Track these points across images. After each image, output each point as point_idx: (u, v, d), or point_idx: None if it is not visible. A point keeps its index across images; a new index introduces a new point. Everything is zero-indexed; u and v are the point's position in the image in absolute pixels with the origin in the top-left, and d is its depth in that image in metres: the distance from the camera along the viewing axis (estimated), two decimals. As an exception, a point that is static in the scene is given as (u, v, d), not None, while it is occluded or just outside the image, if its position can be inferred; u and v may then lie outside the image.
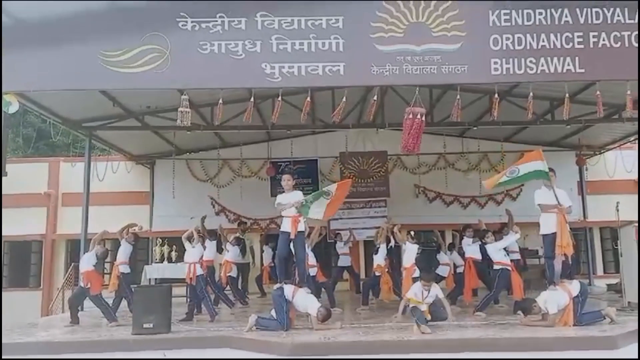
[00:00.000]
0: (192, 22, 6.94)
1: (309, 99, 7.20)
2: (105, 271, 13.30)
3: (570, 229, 9.01)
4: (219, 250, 10.22)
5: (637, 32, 6.89)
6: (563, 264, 6.88)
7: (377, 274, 9.26)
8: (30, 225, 13.87)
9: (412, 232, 8.52)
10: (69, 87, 7.12)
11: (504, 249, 8.33)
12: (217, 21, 6.93)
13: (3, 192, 11.35)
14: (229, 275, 10.52)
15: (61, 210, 14.40)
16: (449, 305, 7.02)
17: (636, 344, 6.08)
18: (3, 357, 6.02)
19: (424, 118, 7.09)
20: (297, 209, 7.24)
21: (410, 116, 7.02)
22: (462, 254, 9.77)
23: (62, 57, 6.87)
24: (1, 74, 6.73)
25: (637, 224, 8.52)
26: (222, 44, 6.90)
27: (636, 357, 5.42)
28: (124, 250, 8.85)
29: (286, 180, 7.52)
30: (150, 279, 11.72)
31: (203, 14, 6.94)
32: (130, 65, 6.83)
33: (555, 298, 6.72)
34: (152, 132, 11.34)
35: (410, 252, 8.10)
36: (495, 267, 8.17)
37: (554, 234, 6.90)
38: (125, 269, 8.80)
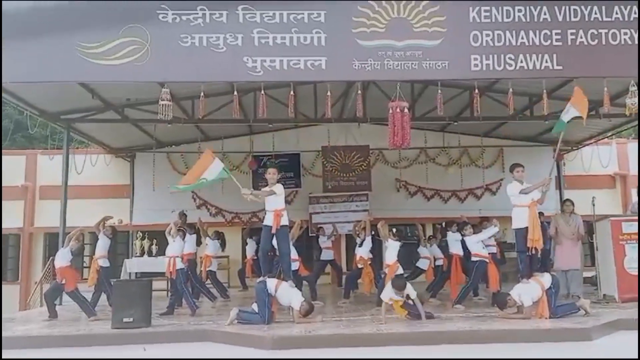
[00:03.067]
0: (172, 14, 6.87)
1: (292, 93, 7.20)
2: (85, 265, 13.18)
3: (547, 222, 9.24)
4: (198, 243, 10.17)
5: (613, 31, 7.02)
6: (533, 257, 7.01)
7: (359, 266, 9.31)
8: (7, 219, 13.62)
9: (394, 229, 8.56)
10: (47, 79, 7.00)
11: (482, 241, 8.43)
12: (198, 14, 6.87)
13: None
14: (209, 270, 10.49)
15: (39, 203, 14.21)
16: (421, 306, 7.08)
17: (609, 336, 6.25)
18: (3, 357, 5.90)
19: (408, 111, 7.16)
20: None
21: (398, 110, 7.07)
22: (442, 247, 9.88)
23: (40, 49, 6.76)
24: (1, 67, 6.61)
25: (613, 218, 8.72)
26: (204, 37, 6.85)
27: (634, 355, 5.49)
28: (103, 244, 8.77)
29: (271, 174, 7.47)
30: (130, 273, 11.63)
31: (184, 6, 6.88)
32: (110, 57, 6.75)
33: (528, 291, 6.85)
34: (132, 124, 11.22)
35: (392, 249, 8.16)
36: (473, 258, 8.28)
37: (526, 228, 7.02)
38: (105, 262, 8.72)
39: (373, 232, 9.44)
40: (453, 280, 8.99)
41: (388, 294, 6.95)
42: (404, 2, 7.00)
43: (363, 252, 9.27)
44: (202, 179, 7.28)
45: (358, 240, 9.54)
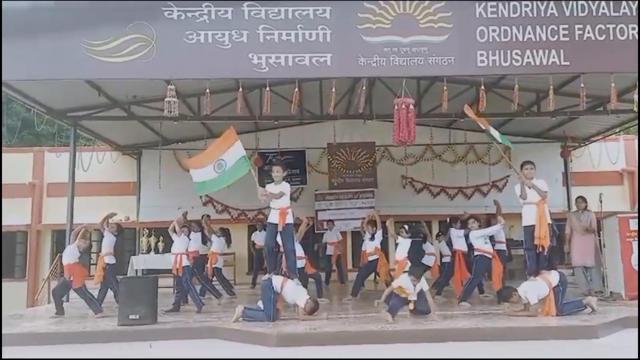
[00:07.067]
0: (178, 11, 6.88)
1: (297, 90, 7.19)
2: (92, 262, 13.24)
3: (555, 219, 9.18)
4: (204, 241, 10.18)
5: (621, 26, 6.96)
6: (540, 255, 6.96)
7: (373, 257, 9.28)
8: (15, 216, 13.72)
9: (406, 226, 8.54)
10: (54, 76, 7.05)
11: (490, 238, 8.39)
12: (203, 10, 6.88)
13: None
14: (215, 267, 10.50)
15: (46, 200, 14.29)
16: (432, 298, 7.05)
17: (616, 334, 6.21)
18: (3, 357, 5.93)
19: (414, 108, 7.14)
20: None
21: (403, 107, 7.05)
22: (450, 244, 9.84)
23: (46, 47, 6.79)
24: (1, 66, 6.64)
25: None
26: (209, 33, 6.86)
27: (635, 355, 5.46)
28: (108, 241, 8.78)
29: (276, 171, 7.46)
30: (136, 270, 11.68)
31: (189, 3, 6.89)
32: (116, 54, 6.78)
33: (535, 288, 6.81)
34: (138, 122, 11.25)
35: (403, 246, 8.13)
36: (475, 253, 8.24)
37: (534, 225, 6.97)
38: (111, 259, 8.74)
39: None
40: (457, 276, 8.96)
41: (400, 281, 6.91)
42: (409, -3, 6.97)
43: (377, 243, 9.25)
44: (220, 159, 7.13)
45: (368, 235, 9.50)
